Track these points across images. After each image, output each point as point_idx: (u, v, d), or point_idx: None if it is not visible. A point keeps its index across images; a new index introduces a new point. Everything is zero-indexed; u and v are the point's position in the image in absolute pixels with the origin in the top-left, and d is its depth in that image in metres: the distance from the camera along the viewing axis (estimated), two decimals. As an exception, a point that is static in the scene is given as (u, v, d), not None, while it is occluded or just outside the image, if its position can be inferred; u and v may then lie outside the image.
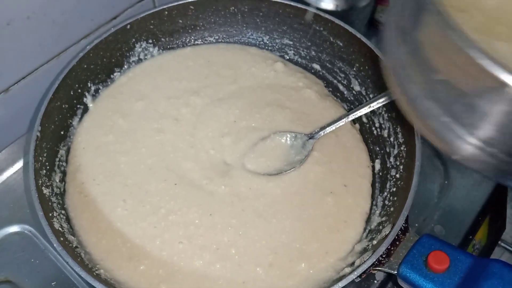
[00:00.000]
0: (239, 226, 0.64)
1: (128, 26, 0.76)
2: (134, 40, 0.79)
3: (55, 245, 0.54)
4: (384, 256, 0.55)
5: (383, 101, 0.66)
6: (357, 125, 0.76)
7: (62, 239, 0.57)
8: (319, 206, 0.66)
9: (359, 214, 0.66)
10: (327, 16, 0.75)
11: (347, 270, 0.58)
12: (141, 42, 0.80)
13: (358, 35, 0.73)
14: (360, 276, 0.54)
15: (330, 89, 0.80)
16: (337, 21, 0.75)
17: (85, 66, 0.73)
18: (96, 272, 0.58)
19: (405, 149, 0.66)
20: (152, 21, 0.79)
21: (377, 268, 0.55)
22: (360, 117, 0.73)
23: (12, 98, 0.75)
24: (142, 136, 0.72)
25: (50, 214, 0.59)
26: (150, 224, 0.64)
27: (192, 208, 0.65)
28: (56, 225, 0.59)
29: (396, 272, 0.54)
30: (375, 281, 0.65)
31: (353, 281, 0.54)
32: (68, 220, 0.64)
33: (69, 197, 0.66)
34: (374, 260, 0.53)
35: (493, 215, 0.79)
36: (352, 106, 0.78)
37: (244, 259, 0.61)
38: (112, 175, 0.68)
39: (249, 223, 0.64)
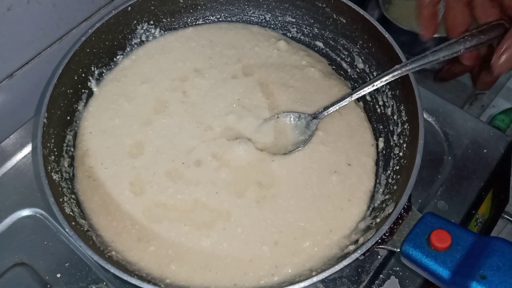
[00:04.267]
0: (244, 205, 0.65)
1: (129, 8, 0.75)
2: (135, 22, 0.78)
3: (67, 229, 0.56)
4: (387, 234, 0.56)
5: (386, 79, 0.66)
6: (361, 103, 0.75)
7: (73, 223, 0.58)
8: (324, 185, 0.67)
9: (363, 192, 0.67)
10: (329, -8, 0.74)
11: (351, 247, 0.60)
12: (143, 24, 0.79)
13: (362, 11, 0.72)
14: (363, 254, 0.55)
15: (334, 67, 0.80)
16: (340, -3, 0.74)
17: (88, 50, 0.72)
18: (108, 254, 0.60)
19: (408, 127, 0.66)
20: (153, 2, 0.78)
21: (381, 246, 0.56)
22: (364, 95, 0.73)
23: (17, 84, 0.76)
24: (148, 119, 0.73)
25: (61, 199, 0.60)
26: (157, 205, 0.65)
27: (199, 186, 0.66)
28: (67, 210, 0.60)
29: (399, 250, 0.55)
30: (379, 257, 0.66)
31: (356, 258, 0.56)
32: (78, 204, 0.65)
33: (78, 181, 0.68)
34: (377, 238, 0.54)
35: (496, 190, 0.79)
36: (356, 84, 0.78)
37: (251, 237, 0.63)
38: (119, 158, 0.69)
39: (254, 202, 0.65)
